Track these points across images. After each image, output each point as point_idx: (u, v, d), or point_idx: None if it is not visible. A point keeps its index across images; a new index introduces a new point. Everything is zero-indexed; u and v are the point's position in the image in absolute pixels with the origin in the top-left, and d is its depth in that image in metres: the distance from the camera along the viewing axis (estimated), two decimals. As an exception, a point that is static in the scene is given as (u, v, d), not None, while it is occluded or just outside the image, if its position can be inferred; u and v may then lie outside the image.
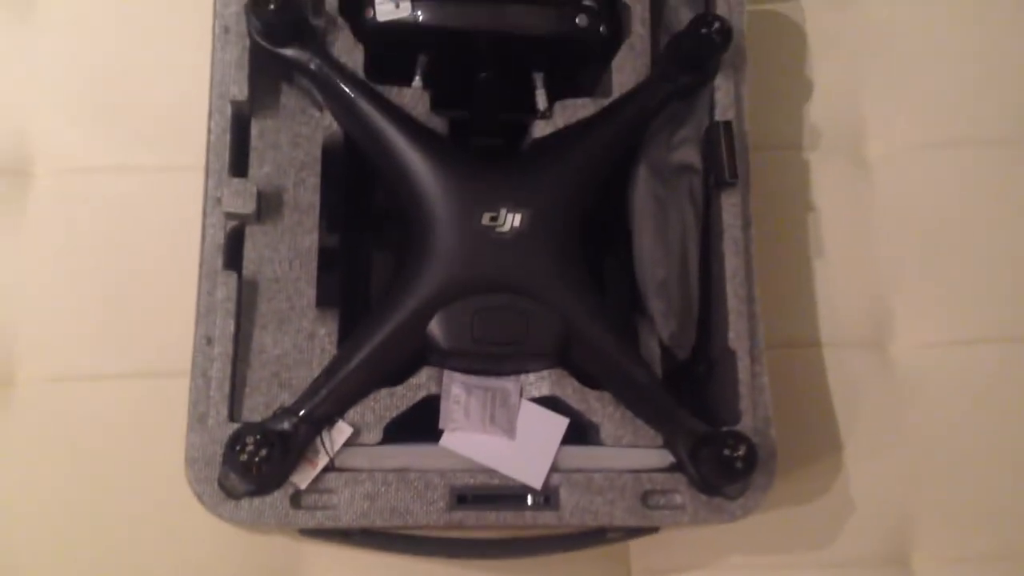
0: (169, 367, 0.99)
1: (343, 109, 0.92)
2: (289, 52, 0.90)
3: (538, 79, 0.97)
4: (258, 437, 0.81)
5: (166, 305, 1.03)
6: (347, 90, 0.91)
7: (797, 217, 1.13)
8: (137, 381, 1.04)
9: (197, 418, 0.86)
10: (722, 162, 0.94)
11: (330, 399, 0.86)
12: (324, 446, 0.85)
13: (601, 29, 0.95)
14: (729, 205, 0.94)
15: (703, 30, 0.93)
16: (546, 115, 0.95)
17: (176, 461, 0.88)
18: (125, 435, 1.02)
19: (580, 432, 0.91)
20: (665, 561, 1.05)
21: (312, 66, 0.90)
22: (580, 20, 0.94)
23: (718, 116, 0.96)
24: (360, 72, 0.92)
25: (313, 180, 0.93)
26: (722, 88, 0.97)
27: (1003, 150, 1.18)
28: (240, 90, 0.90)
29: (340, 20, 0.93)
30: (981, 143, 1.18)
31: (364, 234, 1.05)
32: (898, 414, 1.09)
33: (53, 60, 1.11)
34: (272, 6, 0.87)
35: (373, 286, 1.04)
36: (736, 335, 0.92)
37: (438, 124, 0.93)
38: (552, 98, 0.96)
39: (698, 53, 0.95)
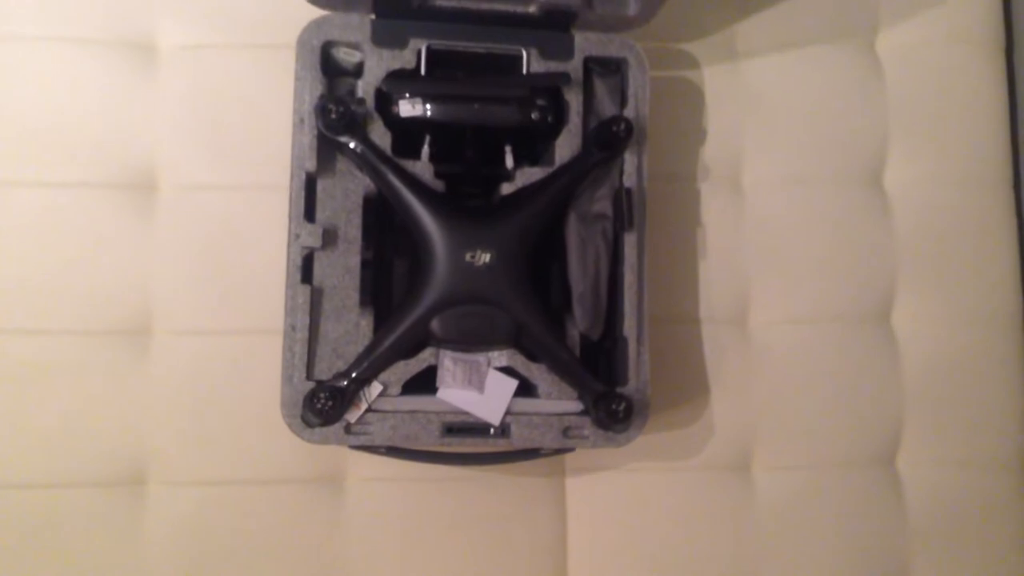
0: (262, 326, 1.23)
1: (377, 176, 1.14)
2: (342, 139, 1.13)
3: (507, 150, 1.19)
4: (326, 393, 1.09)
5: (260, 281, 1.24)
6: (379, 164, 1.14)
7: (689, 229, 1.35)
8: (240, 336, 1.26)
9: (287, 378, 1.11)
10: (624, 216, 1.19)
11: (369, 368, 1.11)
12: (365, 397, 1.11)
13: (548, 119, 1.18)
14: (629, 242, 1.19)
15: (614, 128, 1.17)
16: (511, 177, 1.17)
17: (266, 398, 1.14)
18: (229, 374, 1.25)
19: (526, 389, 1.15)
20: (587, 463, 1.30)
21: (358, 150, 1.13)
22: (535, 115, 1.18)
23: (625, 182, 1.20)
24: (388, 150, 1.14)
25: (357, 220, 1.15)
26: (628, 161, 1.20)
27: (832, 184, 1.39)
28: (311, 164, 1.14)
29: (375, 114, 1.15)
30: (819, 179, 1.39)
31: (388, 245, 1.23)
32: (749, 370, 1.34)
33: (172, 102, 1.28)
34: (333, 115, 1.12)
35: (394, 286, 1.23)
36: (628, 327, 1.18)
37: (438, 186, 1.15)
38: (516, 162, 1.18)
39: (611, 140, 1.18)
